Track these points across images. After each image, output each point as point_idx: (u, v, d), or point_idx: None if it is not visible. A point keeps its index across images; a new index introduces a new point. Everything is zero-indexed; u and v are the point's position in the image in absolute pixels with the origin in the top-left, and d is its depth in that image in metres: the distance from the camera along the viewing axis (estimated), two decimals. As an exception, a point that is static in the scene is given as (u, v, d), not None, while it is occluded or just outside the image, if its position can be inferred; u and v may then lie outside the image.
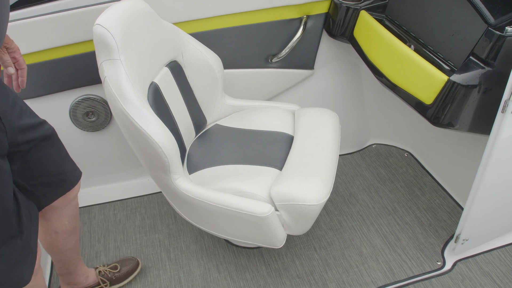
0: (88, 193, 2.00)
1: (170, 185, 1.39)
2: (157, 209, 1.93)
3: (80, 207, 1.96)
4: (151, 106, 1.36)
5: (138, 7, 1.37)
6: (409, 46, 1.48)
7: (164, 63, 1.48)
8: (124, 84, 1.24)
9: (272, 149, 1.52)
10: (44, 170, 1.17)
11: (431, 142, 2.00)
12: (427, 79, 1.36)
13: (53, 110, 1.77)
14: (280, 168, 1.44)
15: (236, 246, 1.75)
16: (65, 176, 1.25)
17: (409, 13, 1.53)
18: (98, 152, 1.94)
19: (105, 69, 1.25)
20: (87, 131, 1.85)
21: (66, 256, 1.41)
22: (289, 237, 1.77)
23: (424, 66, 1.38)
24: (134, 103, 1.24)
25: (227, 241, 1.77)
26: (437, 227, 1.79)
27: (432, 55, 1.42)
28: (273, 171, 1.43)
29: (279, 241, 1.40)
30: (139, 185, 2.05)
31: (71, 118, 1.79)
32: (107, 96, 1.28)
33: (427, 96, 1.37)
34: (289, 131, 1.60)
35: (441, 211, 1.85)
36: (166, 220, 1.87)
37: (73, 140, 1.88)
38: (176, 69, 1.53)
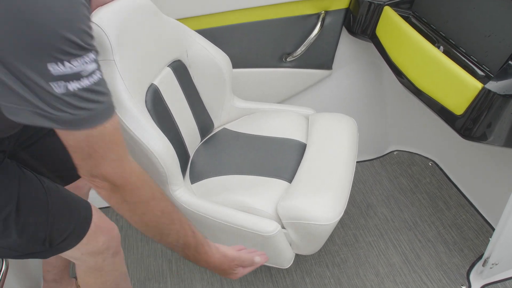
0: (91, 196, 1.92)
1: (168, 196, 1.28)
2: (161, 215, 1.83)
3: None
4: (149, 111, 1.25)
5: (138, 3, 1.25)
6: (438, 48, 1.33)
7: (166, 63, 1.37)
8: (118, 87, 1.13)
9: (283, 159, 1.39)
10: (50, 160, 1.12)
11: (459, 151, 1.83)
12: (458, 86, 1.21)
13: None
14: (290, 181, 1.31)
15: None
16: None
17: (439, 10, 1.37)
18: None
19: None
20: None
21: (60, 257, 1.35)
22: (300, 252, 1.65)
23: (454, 71, 1.22)
24: (128, 108, 1.13)
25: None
26: (462, 246, 1.63)
27: (464, 59, 1.26)
28: (282, 183, 1.30)
29: (286, 261, 1.27)
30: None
31: None
32: None
33: (458, 105, 1.22)
34: (301, 139, 1.46)
35: (468, 229, 1.69)
36: (169, 228, 1.77)
37: None
38: (179, 69, 1.42)
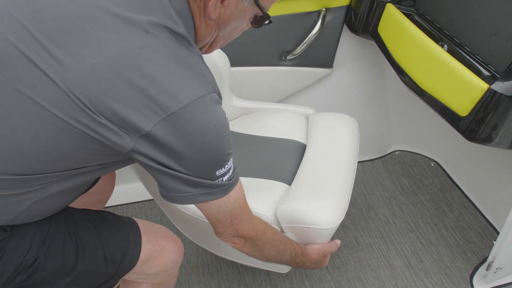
0: None
1: (161, 198, 1.25)
2: (159, 216, 1.80)
3: (78, 211, 1.85)
4: None
5: None
6: (442, 46, 1.29)
7: None
8: None
9: (282, 160, 1.35)
10: None
11: (462, 151, 1.80)
12: (462, 87, 1.17)
13: None
14: (289, 183, 1.28)
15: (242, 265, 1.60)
16: None
17: (443, 8, 1.33)
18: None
19: None
20: None
21: None
22: (299, 254, 1.62)
23: (459, 71, 1.18)
24: None
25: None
26: (465, 249, 1.60)
27: (469, 58, 1.22)
28: (281, 186, 1.27)
29: (284, 266, 1.24)
30: (141, 189, 1.92)
31: None
32: None
33: (462, 106, 1.18)
34: (302, 139, 1.43)
35: (471, 231, 1.66)
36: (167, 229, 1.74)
37: None
38: None
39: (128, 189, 1.92)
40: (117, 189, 1.92)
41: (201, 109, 0.70)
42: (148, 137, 0.68)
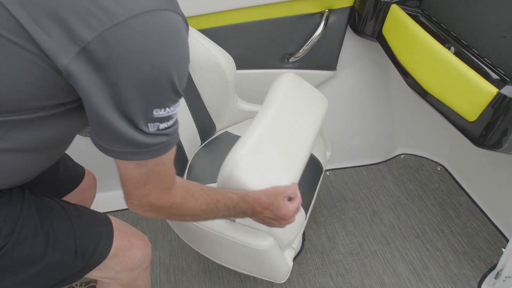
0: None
1: None
2: (160, 222, 1.77)
3: (78, 217, 1.83)
4: None
5: None
6: (449, 49, 1.25)
7: None
8: None
9: None
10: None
11: (469, 155, 1.75)
12: (470, 91, 1.13)
13: None
14: None
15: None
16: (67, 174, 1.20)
17: (450, 8, 1.29)
18: (98, 157, 1.79)
19: None
20: (86, 136, 1.71)
21: None
22: (303, 261, 1.58)
23: (466, 74, 1.14)
24: None
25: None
26: (473, 256, 1.56)
27: (477, 61, 1.18)
28: None
29: (280, 276, 1.21)
30: (141, 193, 1.89)
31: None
32: None
33: (470, 111, 1.14)
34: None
35: (479, 238, 1.61)
36: (168, 235, 1.71)
37: (72, 145, 1.74)
38: None
39: (128, 193, 1.89)
40: (117, 194, 1.90)
41: (156, 23, 0.61)
42: (87, 53, 0.58)
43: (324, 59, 1.68)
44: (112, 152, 0.69)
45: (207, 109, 1.46)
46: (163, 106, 0.66)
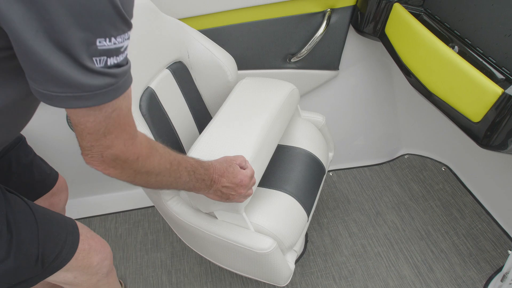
0: (89, 202, 1.86)
1: (161, 206, 1.22)
2: (162, 223, 1.76)
3: (80, 218, 1.82)
4: (144, 116, 1.18)
5: (135, 1, 1.18)
6: (452, 48, 1.23)
7: (164, 64, 1.29)
8: None
9: (286, 169, 1.30)
10: (16, 174, 1.10)
11: (474, 155, 1.73)
12: (474, 91, 1.11)
13: (50, 113, 1.62)
14: (292, 194, 1.23)
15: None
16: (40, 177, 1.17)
17: (454, 7, 1.27)
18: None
19: None
20: None
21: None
22: (305, 263, 1.57)
23: (471, 74, 1.12)
24: None
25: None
26: (478, 258, 1.53)
27: (481, 60, 1.16)
28: (283, 196, 1.22)
29: (282, 279, 1.19)
30: (143, 195, 1.88)
31: (68, 123, 1.65)
32: None
33: (474, 111, 1.12)
34: (309, 148, 1.37)
35: (484, 240, 1.59)
36: (170, 237, 1.70)
37: (73, 146, 1.73)
38: (179, 71, 1.34)
39: (130, 195, 1.89)
40: (119, 195, 1.89)
41: None
42: None
43: (326, 59, 1.66)
44: (53, 99, 0.58)
45: (208, 109, 1.45)
46: (108, 35, 0.56)
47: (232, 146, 1.07)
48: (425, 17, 1.38)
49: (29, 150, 1.19)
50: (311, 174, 1.31)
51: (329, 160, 1.49)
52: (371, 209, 1.75)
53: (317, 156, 1.36)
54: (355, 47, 1.66)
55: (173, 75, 1.32)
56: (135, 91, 1.16)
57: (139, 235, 1.72)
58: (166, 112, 1.27)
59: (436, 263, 1.53)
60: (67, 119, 1.64)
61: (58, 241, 0.92)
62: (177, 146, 1.30)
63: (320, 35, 1.55)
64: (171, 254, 1.64)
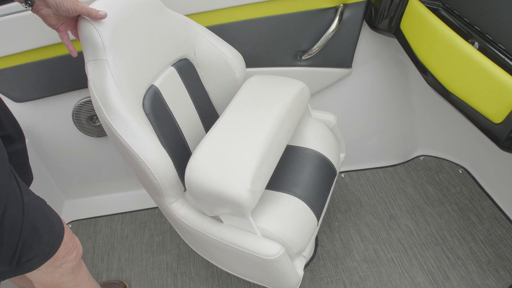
0: (95, 202, 1.84)
1: (165, 209, 1.18)
2: (168, 224, 1.73)
3: (86, 219, 1.80)
4: (148, 115, 1.14)
5: None
6: (472, 44, 1.16)
7: (169, 62, 1.26)
8: (110, 90, 1.03)
9: (296, 171, 1.25)
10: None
11: (493, 157, 1.65)
12: (496, 89, 1.04)
13: (55, 113, 1.60)
14: (301, 197, 1.17)
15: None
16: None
17: (473, 1, 1.20)
18: (106, 158, 1.76)
19: (90, 70, 1.06)
20: (93, 136, 1.67)
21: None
22: (315, 268, 1.51)
23: (492, 72, 1.05)
24: (120, 113, 1.03)
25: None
26: (498, 266, 1.46)
27: (503, 57, 1.09)
28: (292, 199, 1.17)
29: (290, 286, 1.14)
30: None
31: (74, 122, 1.62)
32: (92, 103, 1.08)
33: (496, 112, 1.05)
34: (320, 149, 1.31)
35: (504, 246, 1.51)
36: (176, 239, 1.66)
37: (78, 145, 1.71)
38: (185, 68, 1.30)
39: (136, 195, 1.86)
40: (126, 195, 1.86)
41: None
42: None
43: (338, 56, 1.61)
44: None
45: (215, 108, 1.41)
46: None
47: (239, 148, 1.02)
48: (443, 12, 1.31)
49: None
50: (321, 176, 1.25)
51: (340, 161, 1.44)
52: (384, 212, 1.68)
53: (327, 157, 1.31)
54: (369, 44, 1.60)
55: (178, 73, 1.28)
56: (138, 89, 1.13)
57: (145, 236, 1.69)
58: (170, 110, 1.23)
59: (452, 271, 1.46)
60: (72, 118, 1.61)
61: (39, 245, 0.91)
62: (183, 145, 1.26)
63: (332, 31, 1.49)
64: (177, 257, 1.60)
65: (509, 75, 1.01)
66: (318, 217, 1.19)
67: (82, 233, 1.74)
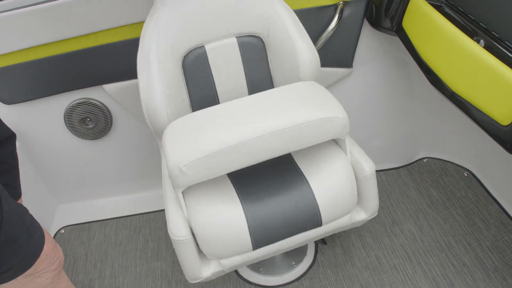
0: (89, 207, 1.79)
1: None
2: (163, 230, 1.68)
3: (80, 224, 1.76)
4: (185, 71, 1.21)
5: None
6: (478, 42, 1.10)
7: (234, 32, 1.22)
8: (148, 36, 1.14)
9: (270, 192, 1.11)
10: None
11: (500, 159, 1.59)
12: (503, 90, 0.98)
13: (47, 115, 1.56)
14: (248, 215, 1.06)
15: (249, 283, 1.46)
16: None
17: (479, -3, 1.14)
18: (100, 161, 1.72)
19: (148, 16, 1.18)
20: (85, 139, 1.63)
21: None
22: (315, 276, 1.46)
23: (499, 71, 1.00)
24: (149, 58, 1.13)
25: (237, 274, 1.48)
26: (505, 273, 1.40)
27: (510, 55, 1.03)
28: (237, 211, 1.06)
29: (187, 275, 1.12)
30: (146, 200, 1.81)
31: (66, 125, 1.58)
32: None
33: (503, 113, 0.99)
34: (316, 192, 1.09)
35: (511, 253, 1.45)
36: (171, 245, 1.61)
37: (71, 148, 1.66)
38: (250, 46, 1.24)
39: (132, 199, 1.82)
40: (121, 199, 1.82)
41: None
42: None
43: (339, 55, 1.56)
44: None
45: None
46: None
47: (215, 131, 0.99)
48: (447, 9, 1.25)
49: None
50: (292, 218, 1.07)
51: (353, 220, 1.20)
52: (386, 217, 1.62)
53: (319, 206, 1.08)
54: (370, 42, 1.55)
55: (239, 47, 1.23)
56: (182, 45, 1.18)
57: (140, 242, 1.64)
58: (212, 75, 1.24)
59: (457, 278, 1.40)
60: (64, 120, 1.57)
61: (14, 258, 0.87)
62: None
63: (332, 29, 1.45)
64: (172, 263, 1.55)
65: (517, 75, 0.96)
66: (255, 246, 1.07)
67: (74, 239, 1.69)
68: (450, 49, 1.15)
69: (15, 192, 1.19)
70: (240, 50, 1.23)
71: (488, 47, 1.08)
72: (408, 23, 1.36)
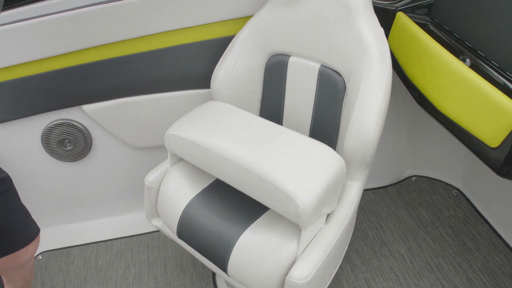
0: (68, 231, 1.72)
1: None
2: (146, 254, 1.61)
3: (58, 249, 1.68)
4: (266, 70, 1.26)
5: None
6: (463, 61, 1.08)
7: (319, 59, 1.16)
8: (252, 25, 1.23)
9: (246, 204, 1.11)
10: None
11: (488, 178, 1.57)
12: (491, 111, 0.96)
13: (23, 137, 1.50)
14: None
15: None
16: (11, 232, 1.05)
17: (464, 15, 1.12)
18: (79, 184, 1.65)
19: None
20: (64, 161, 1.57)
21: None
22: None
23: (486, 91, 0.97)
24: (243, 42, 1.24)
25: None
26: (497, 296, 1.37)
27: (497, 75, 1.01)
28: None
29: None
30: (127, 222, 1.74)
31: (44, 147, 1.52)
32: None
33: (491, 135, 0.97)
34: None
35: (502, 274, 1.42)
36: (154, 270, 1.55)
37: (49, 171, 1.60)
38: (328, 80, 1.15)
39: (112, 222, 1.75)
40: (101, 222, 1.75)
41: None
42: None
43: None
44: None
45: (339, 129, 1.25)
46: None
47: (211, 128, 1.08)
48: (432, 27, 1.24)
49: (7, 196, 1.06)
50: (209, 242, 1.07)
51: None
52: (375, 238, 1.58)
53: (231, 255, 1.02)
54: None
55: (318, 75, 1.16)
56: (273, 45, 1.22)
57: (121, 268, 1.58)
58: (285, 88, 1.25)
59: (449, 301, 1.37)
60: (42, 142, 1.51)
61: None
62: (277, 116, 1.30)
63: None
64: (154, 290, 1.48)
65: (504, 95, 0.93)
66: (179, 236, 1.15)
67: (52, 265, 1.62)
68: (436, 68, 1.13)
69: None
70: (318, 78, 1.16)
71: (474, 66, 1.06)
72: (393, 41, 1.34)
